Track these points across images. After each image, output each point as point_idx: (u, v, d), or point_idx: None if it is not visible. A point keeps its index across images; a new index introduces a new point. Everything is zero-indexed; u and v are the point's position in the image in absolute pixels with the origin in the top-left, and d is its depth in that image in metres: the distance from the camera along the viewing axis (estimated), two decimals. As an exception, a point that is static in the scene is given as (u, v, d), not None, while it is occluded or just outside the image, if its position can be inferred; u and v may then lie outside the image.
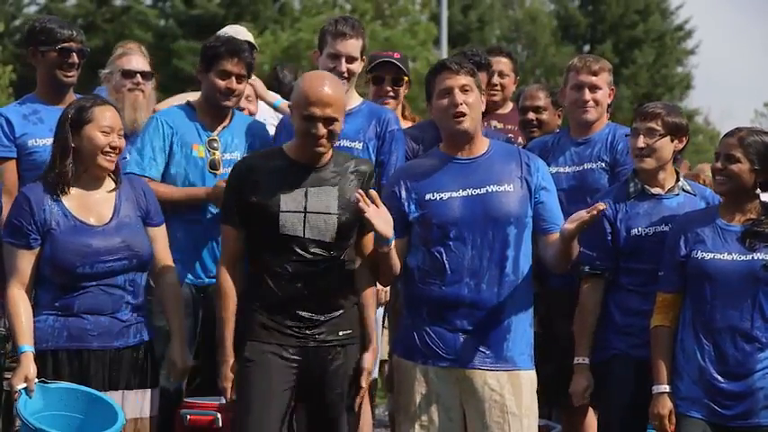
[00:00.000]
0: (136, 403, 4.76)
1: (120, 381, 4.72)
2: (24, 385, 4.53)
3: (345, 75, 5.59)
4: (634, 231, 5.17)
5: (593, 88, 5.63)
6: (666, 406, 4.92)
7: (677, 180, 5.27)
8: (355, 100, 5.73)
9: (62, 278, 4.68)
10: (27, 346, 4.59)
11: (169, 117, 5.60)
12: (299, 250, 4.64)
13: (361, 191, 4.57)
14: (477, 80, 4.79)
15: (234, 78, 5.54)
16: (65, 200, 4.72)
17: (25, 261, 4.68)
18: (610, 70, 5.73)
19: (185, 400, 5.39)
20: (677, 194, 5.23)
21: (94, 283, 4.67)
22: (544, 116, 6.40)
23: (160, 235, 4.88)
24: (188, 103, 5.72)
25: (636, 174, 5.26)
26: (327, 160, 4.74)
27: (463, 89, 4.72)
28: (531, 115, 6.44)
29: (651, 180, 5.23)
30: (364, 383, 4.74)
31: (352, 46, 5.64)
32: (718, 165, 4.92)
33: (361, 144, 5.57)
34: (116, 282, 4.71)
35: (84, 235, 4.68)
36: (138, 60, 6.19)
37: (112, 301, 4.70)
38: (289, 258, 4.64)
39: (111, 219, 4.75)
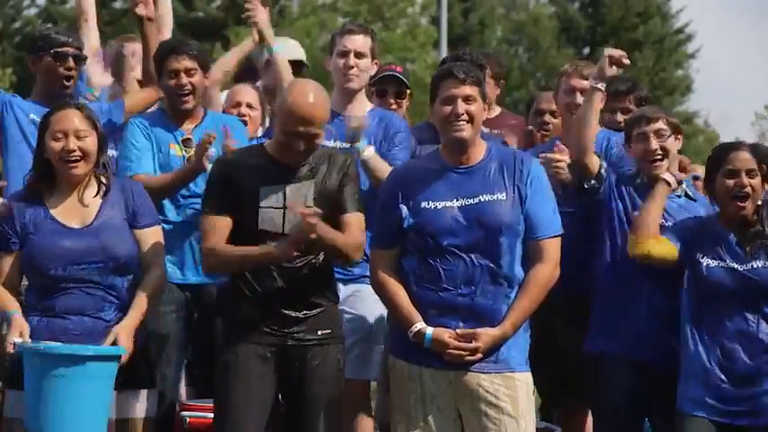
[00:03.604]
0: (124, 404, 4.72)
1: None
2: (20, 339, 4.54)
3: (354, 71, 5.61)
4: (636, 213, 5.18)
5: (585, 93, 5.63)
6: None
7: (680, 183, 5.29)
8: (366, 105, 5.77)
9: (40, 280, 4.69)
10: (14, 310, 4.62)
11: (143, 119, 5.62)
12: None
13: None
14: (482, 90, 4.79)
15: (183, 75, 5.53)
16: (50, 204, 4.73)
17: (4, 263, 4.71)
18: None
19: (185, 402, 5.39)
20: (680, 196, 5.25)
21: (72, 285, 4.66)
22: (557, 121, 6.40)
23: (149, 236, 4.81)
24: (159, 107, 5.75)
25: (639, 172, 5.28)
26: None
27: (467, 99, 4.72)
28: (547, 118, 6.45)
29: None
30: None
31: (360, 41, 5.69)
32: (744, 180, 4.91)
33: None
34: (95, 283, 4.68)
35: (60, 237, 4.67)
36: (138, 68, 6.22)
37: (94, 302, 4.68)
38: None
39: (93, 221, 4.72)
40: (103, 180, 4.78)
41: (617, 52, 5.21)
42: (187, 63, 5.53)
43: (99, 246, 4.68)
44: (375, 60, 5.80)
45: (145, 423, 4.79)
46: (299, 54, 6.87)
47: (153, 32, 5.80)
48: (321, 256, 4.75)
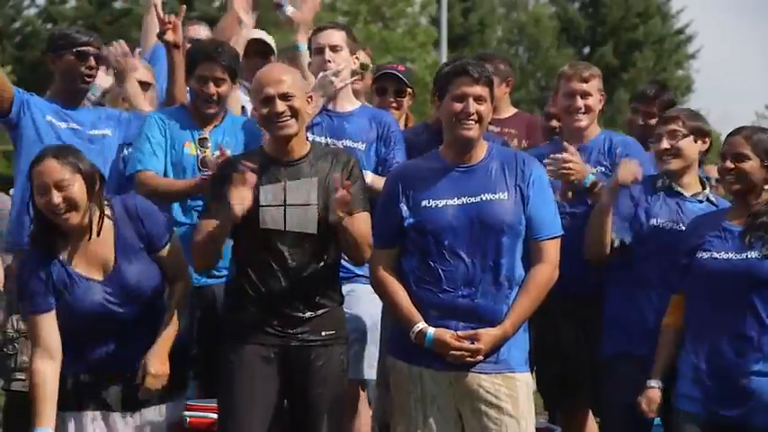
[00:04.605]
0: (156, 419, 4.72)
1: (142, 401, 4.65)
2: None
3: (332, 65, 5.61)
4: (653, 221, 5.20)
5: (585, 95, 5.65)
6: (651, 399, 4.97)
7: (703, 188, 5.32)
8: (354, 103, 5.79)
9: (72, 326, 4.59)
10: (42, 429, 4.46)
11: (163, 114, 5.62)
12: (280, 245, 4.67)
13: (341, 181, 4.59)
14: (492, 91, 4.79)
15: (211, 83, 5.51)
16: (66, 257, 4.59)
17: (48, 325, 4.54)
18: (600, 77, 5.75)
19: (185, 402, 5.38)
20: (701, 201, 5.26)
21: (104, 328, 4.62)
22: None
23: (169, 252, 4.73)
24: (181, 105, 5.73)
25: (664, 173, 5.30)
26: (305, 154, 4.78)
27: (478, 99, 4.72)
28: (555, 123, 6.45)
29: (676, 181, 5.27)
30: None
31: (334, 35, 5.71)
32: (728, 164, 4.92)
33: (364, 145, 5.61)
34: (126, 321, 4.63)
35: (89, 294, 4.55)
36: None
37: (125, 331, 4.63)
38: (271, 253, 4.67)
39: (114, 269, 4.60)
40: (108, 214, 4.64)
41: (633, 170, 5.15)
42: (218, 73, 5.52)
43: (127, 293, 4.60)
44: (355, 55, 5.81)
45: (171, 429, 4.81)
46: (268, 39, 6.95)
47: (180, 59, 5.82)
48: (326, 256, 4.75)
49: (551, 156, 5.36)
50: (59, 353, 4.54)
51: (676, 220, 5.19)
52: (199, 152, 5.50)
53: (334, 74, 5.56)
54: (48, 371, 4.51)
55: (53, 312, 4.55)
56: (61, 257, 4.58)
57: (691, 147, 5.26)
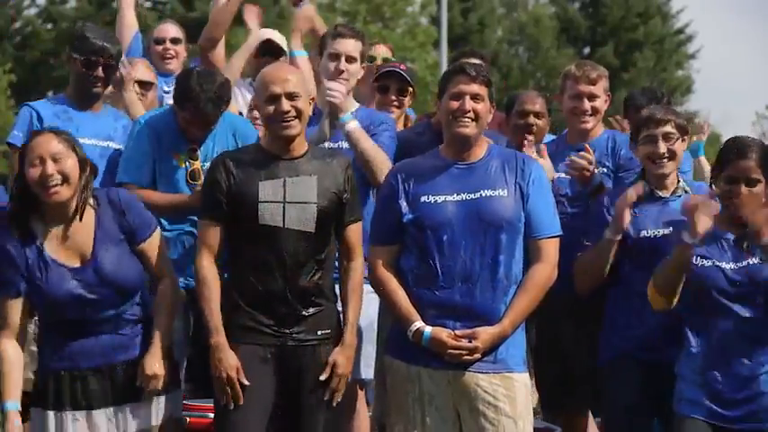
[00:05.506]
0: (144, 416, 4.71)
1: (124, 396, 4.65)
2: None
3: (344, 75, 5.61)
4: (643, 233, 5.17)
5: (592, 97, 5.65)
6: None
7: (678, 181, 5.29)
8: (352, 105, 5.77)
9: (52, 319, 4.62)
10: (10, 403, 4.53)
11: (153, 121, 5.54)
12: (278, 241, 4.66)
13: None
14: (490, 91, 4.81)
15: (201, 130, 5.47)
16: (43, 240, 4.57)
17: (14, 309, 4.57)
18: (606, 77, 5.75)
19: (184, 402, 5.38)
20: (680, 195, 5.25)
21: (87, 319, 4.61)
22: (541, 122, 6.37)
23: (151, 247, 4.72)
24: (171, 108, 5.63)
25: (643, 176, 5.27)
26: (304, 152, 4.78)
27: (475, 97, 4.74)
28: (532, 119, 6.39)
29: (660, 184, 5.25)
30: (324, 376, 4.70)
31: (352, 45, 5.66)
32: (744, 190, 4.87)
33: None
34: (109, 312, 4.63)
35: (66, 281, 4.54)
36: (139, 70, 6.20)
37: (110, 324, 4.64)
38: (270, 250, 4.66)
39: (92, 257, 4.57)
40: (91, 203, 4.63)
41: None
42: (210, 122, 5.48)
43: (105, 283, 4.58)
44: (364, 64, 5.80)
45: (173, 423, 4.80)
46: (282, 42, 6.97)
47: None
48: (323, 255, 4.75)
49: (577, 155, 5.39)
50: (23, 337, 4.62)
51: (664, 225, 5.16)
52: (187, 164, 5.44)
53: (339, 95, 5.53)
54: (9, 348, 4.58)
55: (21, 299, 4.57)
56: (38, 242, 4.57)
57: (681, 148, 5.25)
